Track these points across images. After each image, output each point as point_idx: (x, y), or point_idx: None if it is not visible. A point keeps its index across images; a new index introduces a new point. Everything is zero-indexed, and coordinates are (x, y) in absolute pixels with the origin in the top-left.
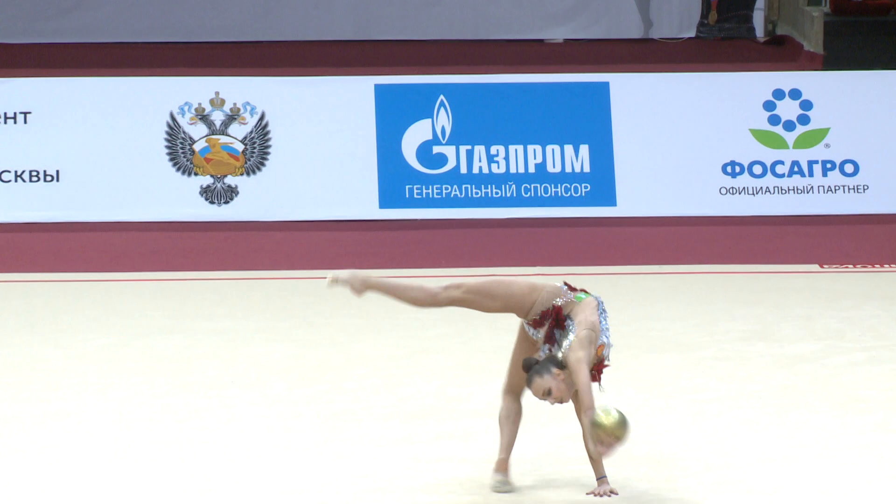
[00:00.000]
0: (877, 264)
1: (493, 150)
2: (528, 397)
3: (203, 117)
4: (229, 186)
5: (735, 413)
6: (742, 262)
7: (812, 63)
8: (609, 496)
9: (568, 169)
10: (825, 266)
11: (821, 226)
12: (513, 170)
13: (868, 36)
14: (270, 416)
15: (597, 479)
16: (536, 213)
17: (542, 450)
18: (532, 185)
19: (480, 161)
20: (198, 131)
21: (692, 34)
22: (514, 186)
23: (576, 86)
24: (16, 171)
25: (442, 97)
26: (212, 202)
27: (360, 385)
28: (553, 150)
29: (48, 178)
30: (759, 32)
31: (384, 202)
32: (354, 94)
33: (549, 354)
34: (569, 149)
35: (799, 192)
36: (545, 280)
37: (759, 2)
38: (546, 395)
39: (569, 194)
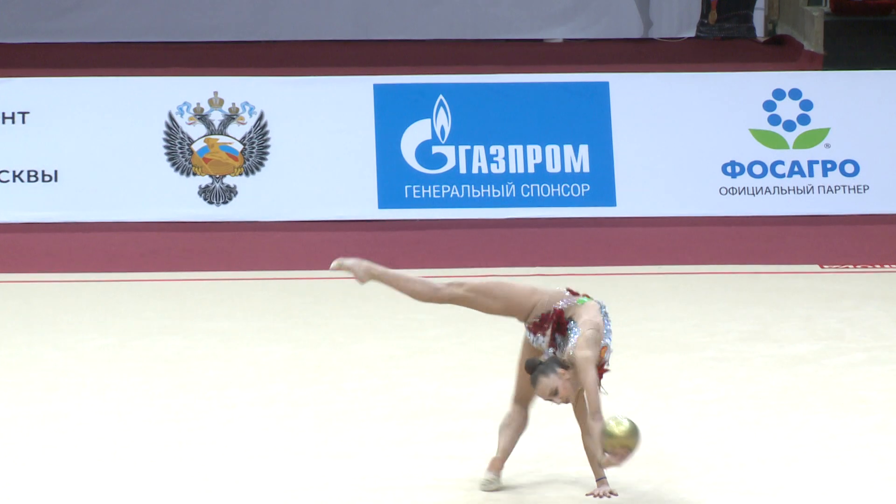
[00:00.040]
0: (877, 264)
1: (493, 150)
2: (536, 407)
3: (202, 117)
4: (228, 186)
5: (735, 414)
6: (742, 263)
7: (812, 63)
8: (609, 497)
9: (567, 169)
10: (825, 266)
11: (821, 226)
12: (512, 170)
13: (868, 36)
14: (269, 416)
15: (596, 480)
16: (536, 214)
17: (542, 450)
18: (531, 186)
19: (480, 161)
20: (196, 131)
21: (692, 34)
22: (513, 186)
23: (575, 86)
24: (14, 172)
25: (441, 97)
26: (210, 202)
27: (359, 385)
28: (553, 150)
29: (46, 179)
30: (760, 32)
31: (383, 202)
32: (353, 93)
33: (552, 355)
34: (568, 149)
35: (799, 192)
36: (547, 285)
37: (759, 1)
38: (552, 395)
39: (568, 194)
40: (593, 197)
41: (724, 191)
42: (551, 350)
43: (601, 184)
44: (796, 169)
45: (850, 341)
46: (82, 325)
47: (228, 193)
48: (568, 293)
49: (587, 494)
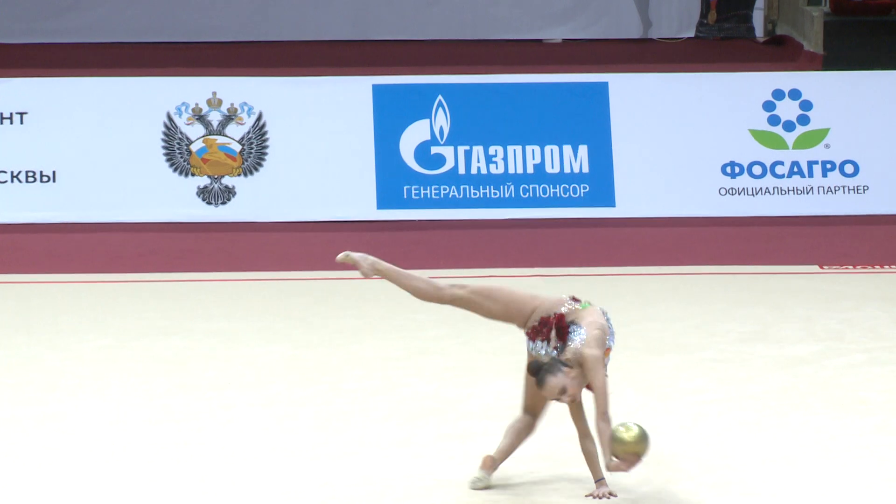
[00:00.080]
0: (877, 265)
1: (492, 150)
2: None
3: (200, 117)
4: (226, 187)
5: (735, 415)
6: (742, 263)
7: (812, 63)
8: (608, 498)
9: (567, 169)
10: (825, 267)
11: (821, 226)
12: (511, 170)
13: (868, 36)
14: (268, 417)
15: (595, 482)
16: (535, 214)
17: (542, 450)
18: (531, 186)
19: (479, 161)
20: (195, 132)
21: (691, 34)
22: (512, 187)
23: (575, 86)
24: (12, 172)
25: (440, 97)
26: (209, 203)
27: (358, 386)
28: (552, 150)
29: (45, 179)
30: (759, 32)
31: (382, 203)
32: (352, 94)
33: (553, 356)
34: (567, 149)
35: (799, 192)
36: (549, 293)
37: (758, 1)
38: (561, 393)
39: (567, 195)
40: (592, 197)
41: (723, 191)
42: (554, 351)
43: (600, 184)
44: (796, 169)
45: (850, 342)
46: (81, 326)
47: (227, 194)
48: (570, 299)
49: (586, 495)
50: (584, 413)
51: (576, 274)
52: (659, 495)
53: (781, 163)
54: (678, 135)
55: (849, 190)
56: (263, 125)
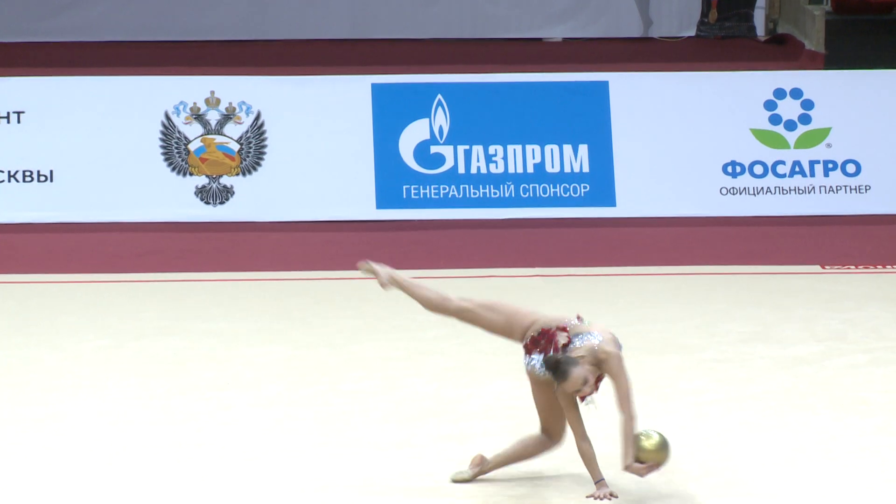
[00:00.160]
0: (879, 265)
1: (492, 149)
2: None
3: (198, 117)
4: (225, 186)
5: (736, 415)
6: (742, 263)
7: (813, 62)
8: (608, 499)
9: (567, 169)
10: (826, 267)
11: (822, 226)
12: (511, 170)
13: (870, 35)
14: (267, 417)
15: (595, 483)
16: (535, 214)
17: None
18: (531, 186)
19: (479, 161)
20: (193, 131)
21: (692, 33)
22: (512, 187)
23: (575, 85)
24: (9, 172)
25: (440, 96)
26: (207, 202)
27: (357, 387)
28: (552, 149)
29: (42, 179)
30: (760, 31)
31: (381, 202)
32: (351, 93)
33: (564, 355)
34: (568, 149)
35: (800, 192)
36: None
37: (759, 0)
38: (584, 384)
39: (568, 194)
40: (593, 197)
41: (724, 191)
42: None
43: (601, 184)
44: (797, 169)
45: (852, 342)
46: (79, 326)
47: (225, 193)
48: (575, 317)
49: (587, 496)
50: (581, 415)
51: (576, 274)
52: (659, 496)
53: (783, 162)
54: (679, 134)
55: (850, 189)
56: (262, 124)
